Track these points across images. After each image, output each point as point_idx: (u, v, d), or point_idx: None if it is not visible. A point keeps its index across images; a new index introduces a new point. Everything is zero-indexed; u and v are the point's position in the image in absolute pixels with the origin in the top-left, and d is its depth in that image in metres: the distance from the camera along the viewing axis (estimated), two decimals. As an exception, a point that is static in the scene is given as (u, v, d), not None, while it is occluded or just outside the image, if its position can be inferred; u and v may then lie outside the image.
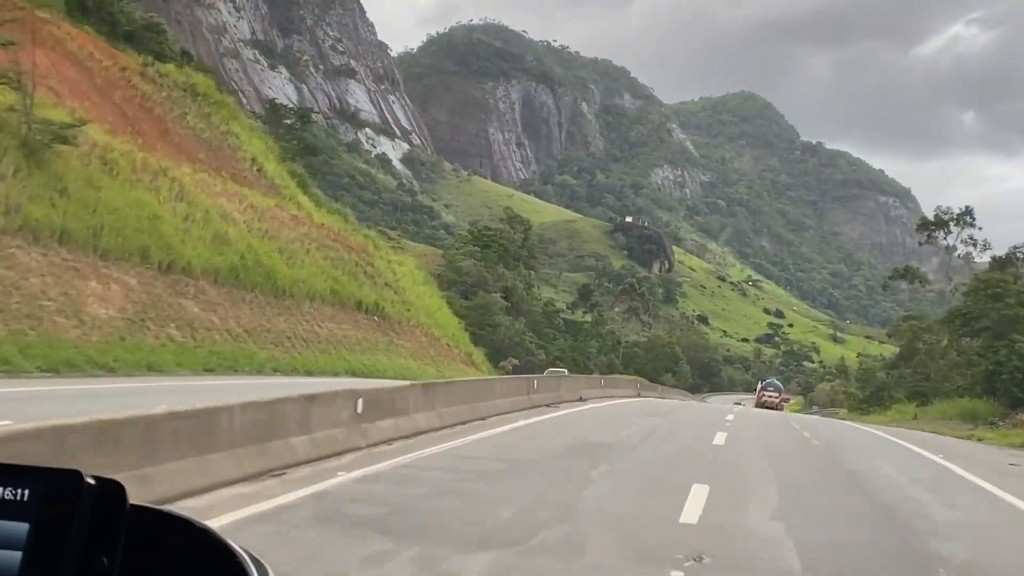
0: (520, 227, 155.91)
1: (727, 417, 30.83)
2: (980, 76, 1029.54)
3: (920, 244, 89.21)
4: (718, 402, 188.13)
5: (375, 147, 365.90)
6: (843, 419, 60.73)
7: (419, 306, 58.14)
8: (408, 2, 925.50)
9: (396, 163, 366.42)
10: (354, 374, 40.63)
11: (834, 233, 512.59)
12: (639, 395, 43.33)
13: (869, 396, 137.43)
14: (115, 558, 1.36)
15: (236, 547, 1.45)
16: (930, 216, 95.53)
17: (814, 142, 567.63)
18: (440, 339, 58.53)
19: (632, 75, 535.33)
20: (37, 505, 1.37)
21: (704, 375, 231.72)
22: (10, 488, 1.36)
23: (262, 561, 1.47)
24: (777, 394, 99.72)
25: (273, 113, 75.41)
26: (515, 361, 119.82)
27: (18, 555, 1.34)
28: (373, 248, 59.56)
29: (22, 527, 1.36)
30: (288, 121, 74.41)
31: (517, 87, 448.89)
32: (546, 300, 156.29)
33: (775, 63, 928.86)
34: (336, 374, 38.54)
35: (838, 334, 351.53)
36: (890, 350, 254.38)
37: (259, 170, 52.27)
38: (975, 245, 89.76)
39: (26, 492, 1.36)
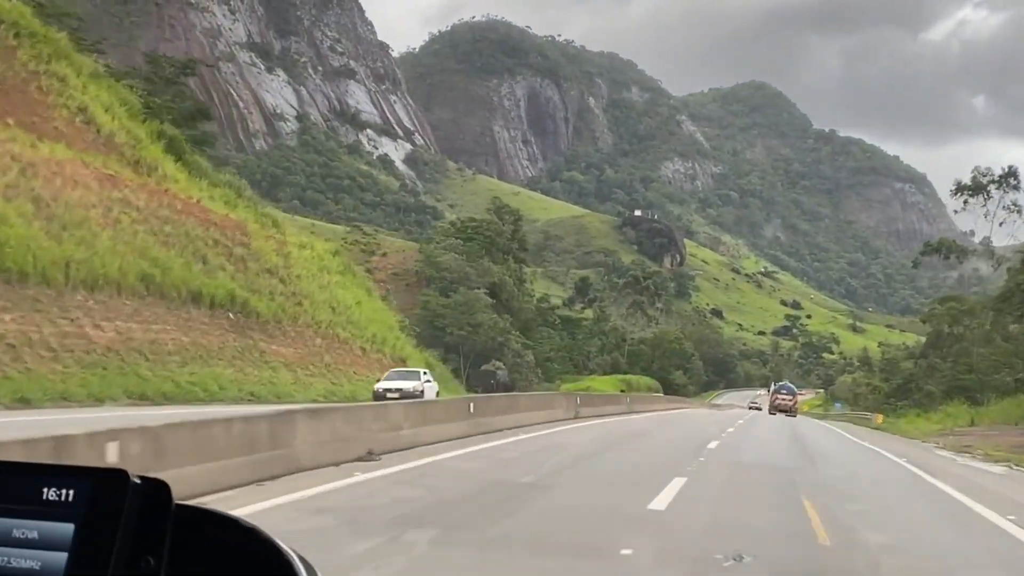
0: (509, 217, 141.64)
1: (664, 492, 14.03)
2: (990, 60, 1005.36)
3: (955, 212, 74.46)
4: (733, 401, 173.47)
5: (377, 148, 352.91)
6: (879, 429, 46.02)
7: (322, 300, 44.00)
8: (410, 2, 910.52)
9: (399, 164, 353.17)
10: (144, 401, 26.51)
11: (849, 222, 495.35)
12: (576, 415, 28.35)
13: (896, 389, 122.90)
14: (161, 558, 1.32)
15: (284, 547, 1.41)
16: (956, 195, 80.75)
17: (827, 130, 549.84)
18: (351, 341, 44.36)
19: (639, 68, 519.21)
20: (82, 505, 1.32)
21: (719, 371, 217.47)
22: (55, 488, 1.32)
23: (309, 562, 1.42)
24: (791, 396, 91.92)
25: (152, 66, 61.75)
26: (499, 364, 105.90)
27: (64, 556, 1.30)
28: (266, 227, 45.53)
29: (67, 528, 1.31)
30: (167, 75, 60.77)
31: (522, 83, 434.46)
32: (540, 295, 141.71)
33: (784, 52, 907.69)
34: (101, 402, 24.49)
35: (858, 324, 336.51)
36: (913, 339, 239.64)
37: (88, 122, 38.52)
38: (1020, 212, 74.78)
39: (71, 492, 1.32)
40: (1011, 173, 74.00)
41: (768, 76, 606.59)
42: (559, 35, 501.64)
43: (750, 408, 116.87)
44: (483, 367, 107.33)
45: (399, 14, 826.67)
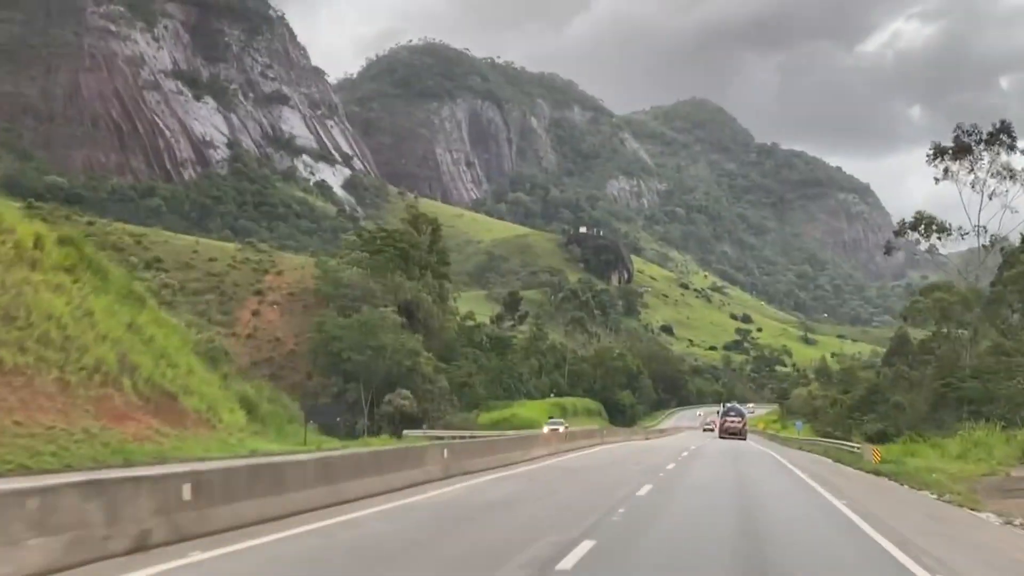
0: (427, 227, 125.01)
1: None
2: (924, 70, 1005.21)
3: (937, 182, 58.40)
4: (683, 422, 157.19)
5: (314, 174, 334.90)
6: (881, 473, 28.50)
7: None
8: (346, 29, 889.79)
9: (337, 189, 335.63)
10: None
11: (796, 234, 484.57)
12: (160, 540, 8.40)
13: (860, 402, 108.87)
14: None
15: None
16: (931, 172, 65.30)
17: (769, 144, 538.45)
18: (33, 369, 26.87)
19: (580, 88, 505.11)
20: None
21: (670, 389, 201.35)
22: None
23: None
24: (740, 419, 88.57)
25: None
26: (405, 393, 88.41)
27: None
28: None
29: None
30: None
31: (463, 105, 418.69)
32: (464, 314, 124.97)
33: (723, 68, 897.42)
34: None
35: (809, 335, 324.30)
36: (869, 348, 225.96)
37: None
38: (1012, 178, 58.87)
39: None
40: (1004, 128, 58.02)
41: (708, 93, 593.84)
42: (498, 57, 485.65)
43: (704, 431, 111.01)
44: (387, 397, 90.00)
45: (335, 42, 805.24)
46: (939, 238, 61.14)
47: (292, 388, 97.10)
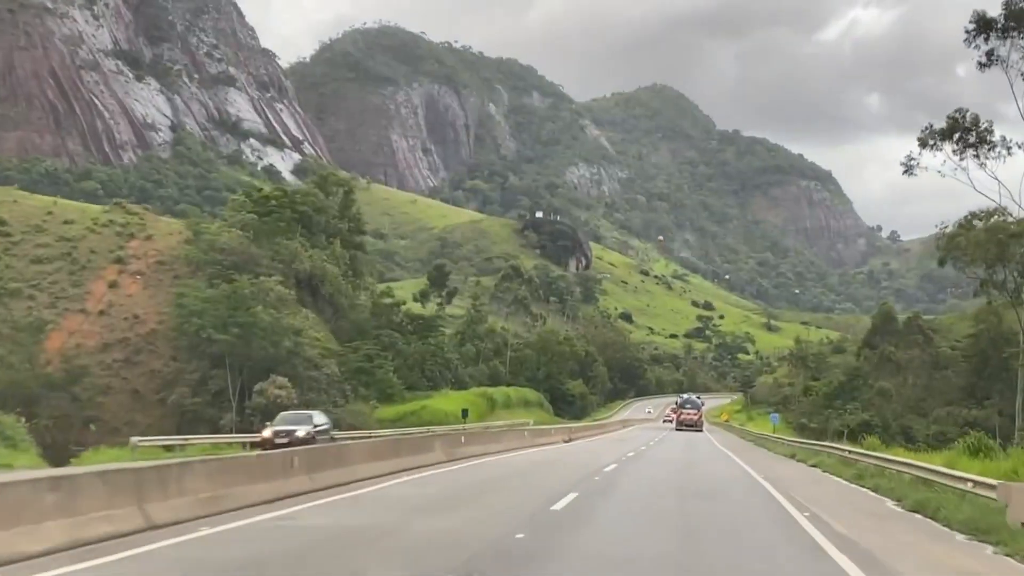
0: (337, 189, 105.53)
1: None
2: (882, 58, 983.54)
3: (980, 67, 39.00)
4: (635, 414, 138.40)
5: (261, 158, 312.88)
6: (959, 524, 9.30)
7: None
8: (299, 12, 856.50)
9: (286, 174, 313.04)
10: None
11: (757, 222, 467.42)
12: None
13: (839, 388, 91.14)
14: None
15: None
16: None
17: (731, 130, 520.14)
18: None
19: (540, 74, 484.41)
20: None
21: (627, 378, 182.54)
22: None
23: None
24: (696, 411, 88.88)
25: None
26: (281, 381, 68.20)
27: None
28: None
29: None
30: None
31: (419, 90, 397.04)
32: (382, 290, 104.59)
33: (683, 56, 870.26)
34: None
35: (772, 322, 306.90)
36: (834, 335, 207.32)
37: None
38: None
39: None
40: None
41: (669, 79, 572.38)
42: (455, 41, 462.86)
43: (664, 422, 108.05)
44: (257, 386, 69.57)
45: (289, 26, 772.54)
46: (976, 154, 41.30)
47: (151, 375, 76.41)
